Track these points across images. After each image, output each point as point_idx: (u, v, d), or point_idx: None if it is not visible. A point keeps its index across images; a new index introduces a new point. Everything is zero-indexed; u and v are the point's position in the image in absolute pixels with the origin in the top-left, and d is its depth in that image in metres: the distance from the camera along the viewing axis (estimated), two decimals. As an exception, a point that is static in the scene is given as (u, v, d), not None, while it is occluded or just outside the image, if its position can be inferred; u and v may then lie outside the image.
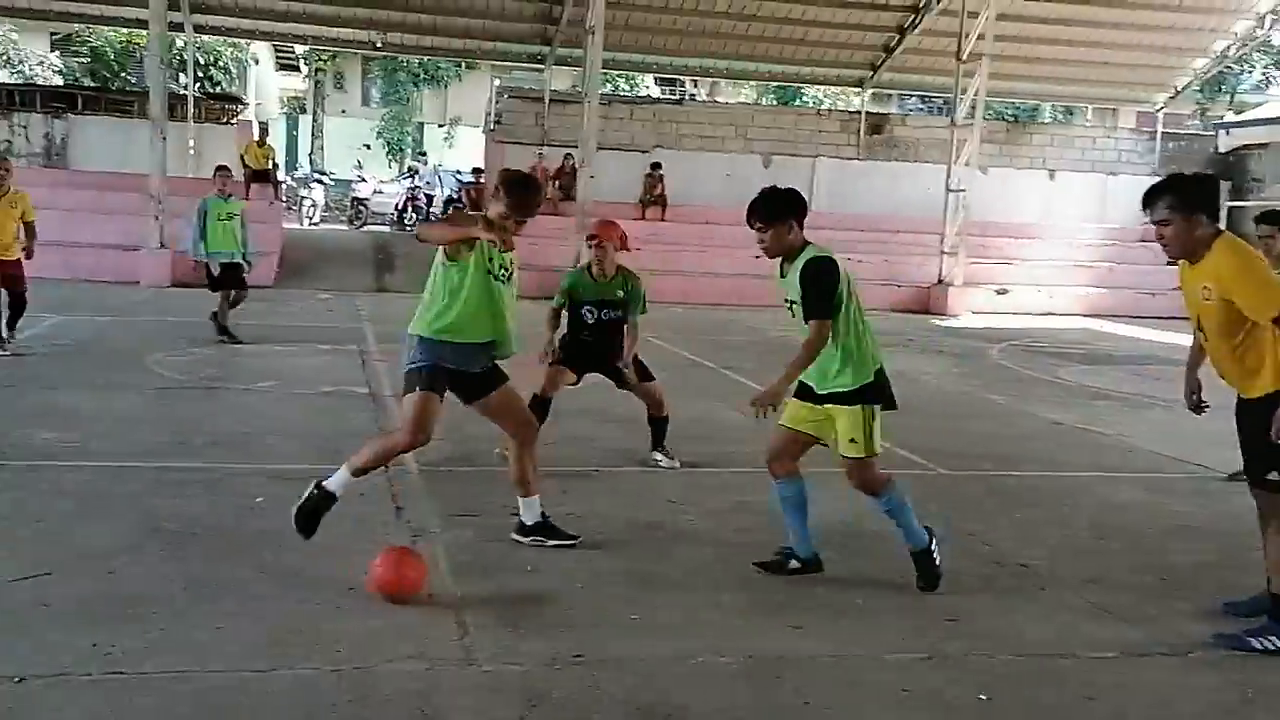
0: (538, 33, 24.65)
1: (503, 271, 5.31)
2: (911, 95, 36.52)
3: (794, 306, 4.97)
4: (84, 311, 13.84)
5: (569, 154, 22.52)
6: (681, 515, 6.25)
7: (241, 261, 11.96)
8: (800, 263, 4.94)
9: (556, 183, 23.38)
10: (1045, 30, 24.34)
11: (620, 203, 22.65)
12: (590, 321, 7.30)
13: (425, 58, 37.02)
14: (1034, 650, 4.55)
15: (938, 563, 5.13)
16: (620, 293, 7.26)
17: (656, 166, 23.54)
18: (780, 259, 5.06)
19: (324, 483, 5.02)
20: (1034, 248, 24.36)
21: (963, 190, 21.43)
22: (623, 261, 7.38)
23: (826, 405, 4.97)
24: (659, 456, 7.42)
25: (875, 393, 4.97)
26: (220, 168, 12.66)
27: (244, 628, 4.31)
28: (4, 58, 34.53)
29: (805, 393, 5.03)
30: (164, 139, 18.07)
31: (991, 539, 6.18)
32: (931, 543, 5.14)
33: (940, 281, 21.71)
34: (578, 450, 7.73)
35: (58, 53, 36.19)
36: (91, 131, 23.47)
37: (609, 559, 5.41)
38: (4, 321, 10.48)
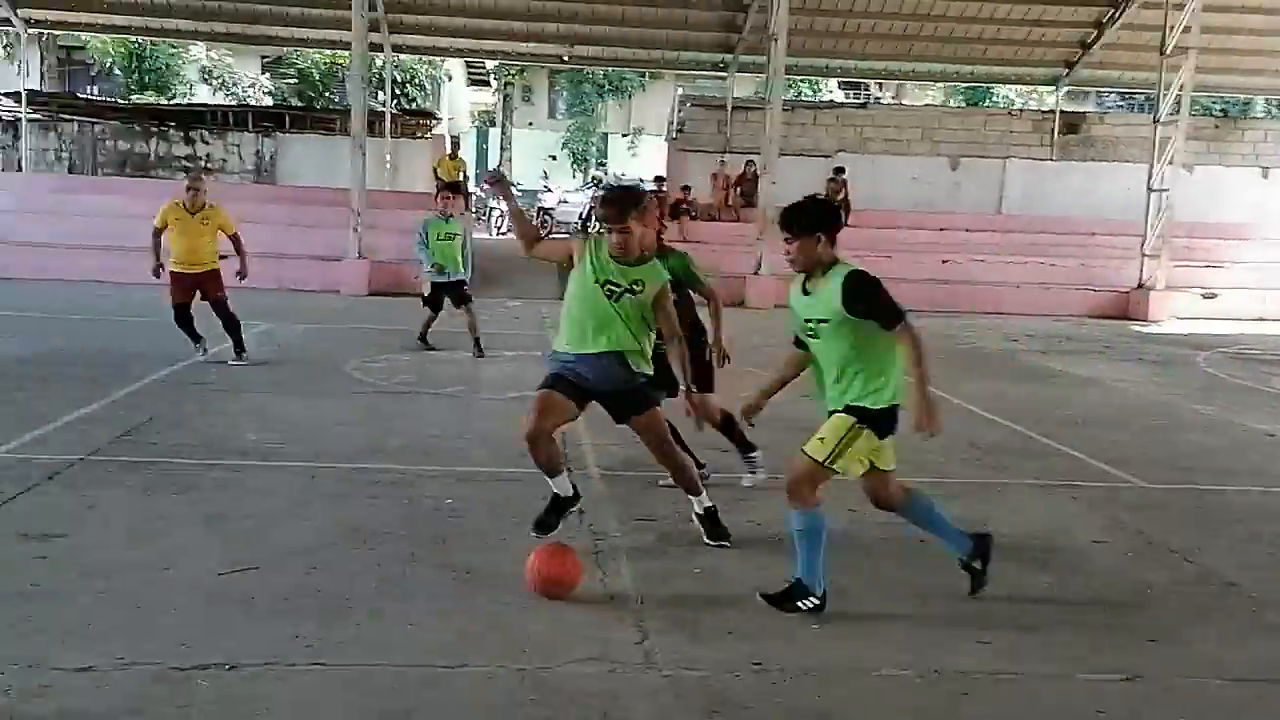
0: (721, 41, 24.71)
1: (611, 286, 5.20)
2: (1110, 92, 35.00)
3: (820, 326, 4.68)
4: (289, 320, 14.56)
5: (751, 160, 22.48)
6: (862, 525, 6.13)
7: (460, 279, 12.18)
8: (835, 279, 4.63)
9: (738, 189, 23.37)
10: (1257, 20, 22.94)
11: (803, 208, 22.46)
12: None
13: (610, 69, 37.63)
14: (1246, 675, 4.28)
15: (810, 605, 4.67)
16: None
17: (840, 171, 23.25)
18: (803, 276, 4.78)
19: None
20: (1245, 249, 22.97)
21: (1166, 190, 20.38)
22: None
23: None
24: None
25: (877, 418, 4.65)
26: (443, 187, 13.07)
27: (434, 625, 4.45)
28: (220, 81, 36.82)
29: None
30: (363, 154, 18.89)
31: (1197, 556, 5.85)
32: (811, 596, 4.68)
33: (1141, 286, 20.68)
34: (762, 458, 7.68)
35: (268, 75, 38.35)
36: (297, 148, 24.75)
37: (790, 567, 5.35)
38: (232, 340, 10.76)
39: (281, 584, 4.83)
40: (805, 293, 4.77)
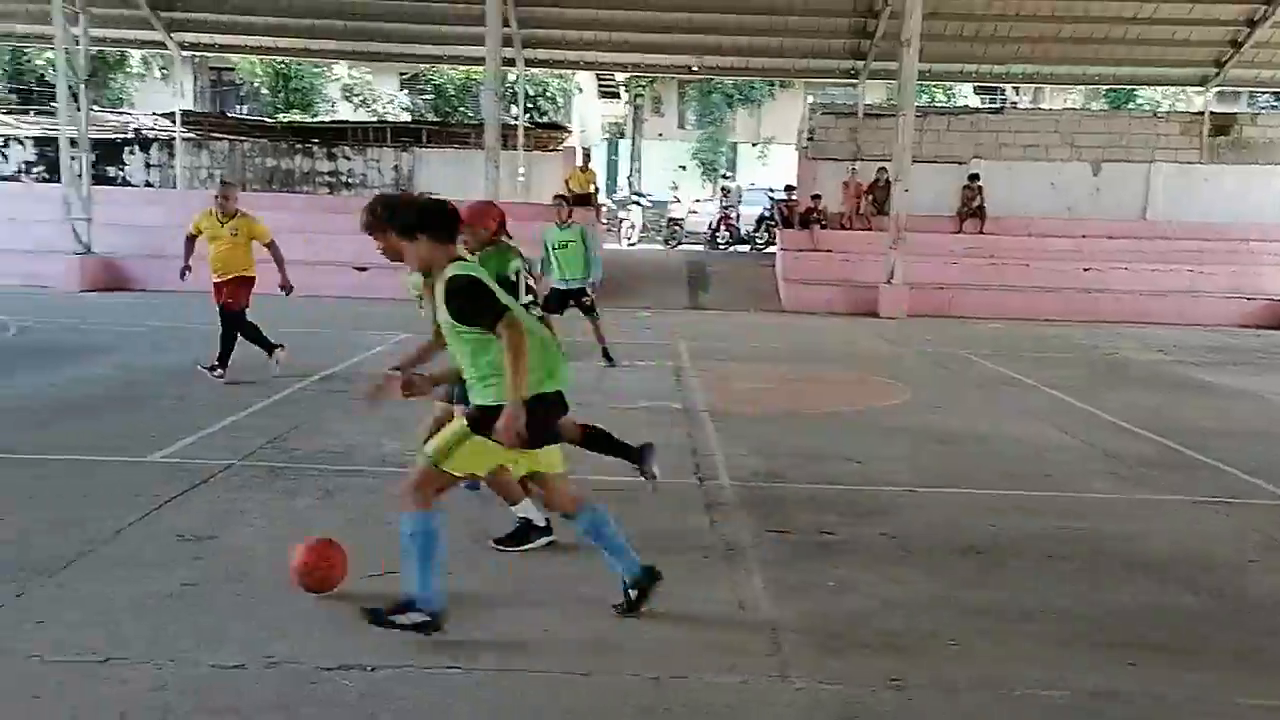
0: (852, 48, 24.45)
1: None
2: (1263, 92, 33.51)
3: (444, 326, 4.47)
4: (426, 331, 14.87)
5: (883, 168, 22.18)
6: (1000, 538, 5.98)
7: (580, 286, 12.27)
8: (442, 282, 4.34)
9: (870, 197, 23.08)
10: None
11: (936, 215, 22.09)
12: None
13: (740, 79, 37.61)
14: None
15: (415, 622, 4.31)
16: None
17: (974, 178, 22.77)
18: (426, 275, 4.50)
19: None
20: None
21: (1326, 193, 19.40)
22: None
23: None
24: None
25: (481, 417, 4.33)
26: (557, 197, 13.22)
27: (569, 631, 4.49)
28: (360, 98, 38.01)
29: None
30: (496, 167, 19.27)
31: (1363, 580, 5.53)
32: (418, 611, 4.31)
33: (1298, 293, 19.72)
34: (892, 469, 7.57)
35: (405, 91, 39.44)
36: (434, 162, 25.34)
37: (927, 581, 5.25)
38: (219, 349, 10.26)
39: (419, 588, 4.92)
40: (434, 293, 4.44)
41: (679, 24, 23.69)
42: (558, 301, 12.06)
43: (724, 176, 39.41)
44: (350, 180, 24.96)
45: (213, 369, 10.12)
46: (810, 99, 29.80)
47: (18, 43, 28.67)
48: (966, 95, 39.29)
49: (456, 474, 4.40)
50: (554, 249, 12.09)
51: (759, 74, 30.30)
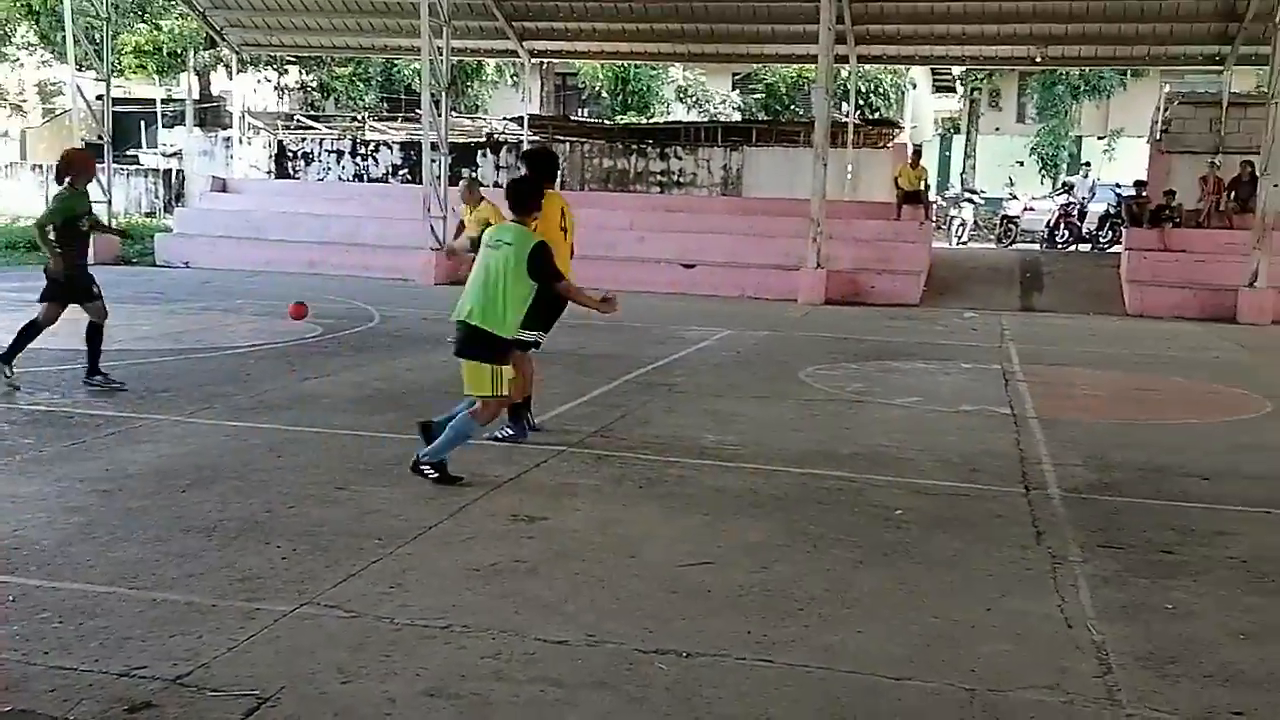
0: (1217, 32, 22.53)
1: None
2: None
3: None
4: (749, 327, 15.10)
5: (1248, 161, 20.32)
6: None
7: None
8: None
9: (1232, 194, 21.22)
10: None
11: (1310, 213, 20.00)
12: None
13: (1087, 69, 35.50)
14: None
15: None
16: None
17: (1360, 171, 20.42)
18: None
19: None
20: None
21: None
22: None
23: None
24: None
25: None
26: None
27: (880, 635, 4.44)
28: (694, 99, 38.94)
29: None
30: (824, 165, 19.20)
31: None
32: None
33: None
34: (1247, 488, 6.95)
35: (737, 91, 40.02)
36: (762, 161, 25.58)
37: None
38: None
39: (734, 579, 5.02)
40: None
41: (1022, 13, 22.69)
42: None
43: (1084, 165, 37.16)
44: (681, 179, 25.62)
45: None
46: (1166, 88, 27.72)
47: (390, 54, 31.34)
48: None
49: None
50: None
51: (1109, 63, 28.49)
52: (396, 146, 27.94)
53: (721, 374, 11.11)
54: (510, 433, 7.58)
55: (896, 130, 29.96)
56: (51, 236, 8.83)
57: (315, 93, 38.55)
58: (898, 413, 9.45)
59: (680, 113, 38.27)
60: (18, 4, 31.80)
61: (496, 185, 26.91)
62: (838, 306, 18.08)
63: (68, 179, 8.91)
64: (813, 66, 22.55)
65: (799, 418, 9.04)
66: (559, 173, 10.14)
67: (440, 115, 21.16)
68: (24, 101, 38.36)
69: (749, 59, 29.57)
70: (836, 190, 22.53)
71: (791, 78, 37.68)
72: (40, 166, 31.50)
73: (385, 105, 38.40)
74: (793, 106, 38.04)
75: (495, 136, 29.36)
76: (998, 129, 43.91)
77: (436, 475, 6.39)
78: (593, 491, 6.50)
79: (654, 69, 37.64)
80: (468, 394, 6.48)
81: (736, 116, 37.18)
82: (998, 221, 30.64)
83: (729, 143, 26.94)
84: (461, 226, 12.77)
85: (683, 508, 6.20)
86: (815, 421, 8.91)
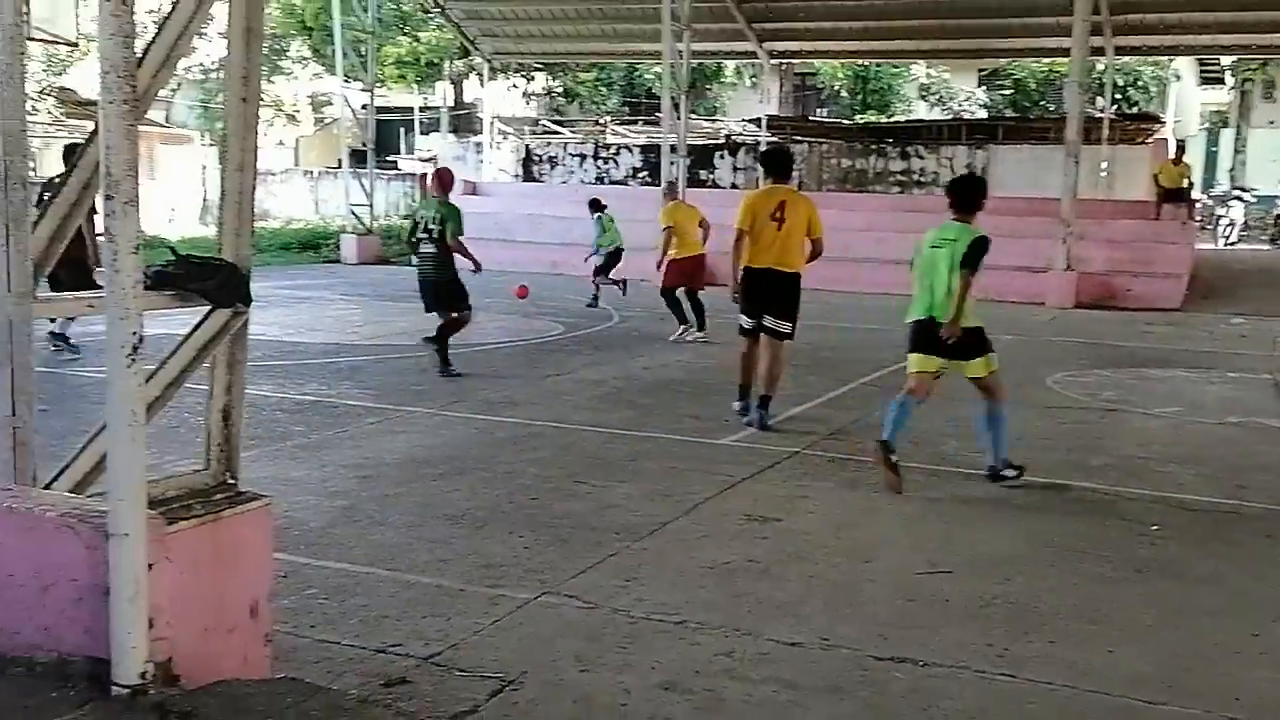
0: None
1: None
2: None
3: None
4: (991, 331, 14.55)
5: None
6: None
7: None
8: None
9: None
10: None
11: None
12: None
13: (1376, 54, 32.48)
14: None
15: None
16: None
17: None
18: None
19: None
20: None
21: None
22: None
23: None
24: None
25: None
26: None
27: (1132, 654, 4.22)
28: (936, 96, 37.95)
29: None
30: (1076, 163, 18.32)
31: None
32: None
33: None
34: None
35: (983, 88, 38.74)
36: (1008, 159, 24.64)
37: None
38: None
39: (974, 589, 4.88)
40: None
41: (1302, -4, 20.99)
42: None
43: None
44: (922, 179, 25.00)
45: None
46: None
47: (632, 59, 32.00)
48: None
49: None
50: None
51: (1403, 47, 25.97)
52: (637, 149, 28.45)
53: (961, 379, 10.77)
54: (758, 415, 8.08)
55: (1156, 125, 28.26)
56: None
57: (560, 97, 39.77)
58: (1155, 423, 8.93)
59: (922, 111, 37.39)
60: (293, 20, 34.25)
61: (734, 186, 27.19)
62: (1089, 310, 17.19)
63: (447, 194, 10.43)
64: (1065, 60, 21.58)
65: (1046, 426, 8.67)
66: (792, 170, 10.16)
67: (680, 118, 21.42)
68: (297, 112, 41.22)
69: (996, 54, 28.59)
70: (1089, 189, 21.46)
71: (1042, 73, 36.20)
72: (310, 172, 33.85)
73: (627, 109, 39.22)
74: (1042, 102, 36.54)
75: (733, 138, 29.48)
76: (1271, 122, 40.74)
77: (1015, 473, 6.64)
78: (827, 494, 6.45)
79: (895, 67, 36.91)
80: (972, 378, 6.92)
81: (982, 114, 35.99)
82: (1271, 221, 28.51)
83: (973, 140, 26.10)
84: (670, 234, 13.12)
85: (920, 515, 6.08)
86: (1063, 430, 8.53)
